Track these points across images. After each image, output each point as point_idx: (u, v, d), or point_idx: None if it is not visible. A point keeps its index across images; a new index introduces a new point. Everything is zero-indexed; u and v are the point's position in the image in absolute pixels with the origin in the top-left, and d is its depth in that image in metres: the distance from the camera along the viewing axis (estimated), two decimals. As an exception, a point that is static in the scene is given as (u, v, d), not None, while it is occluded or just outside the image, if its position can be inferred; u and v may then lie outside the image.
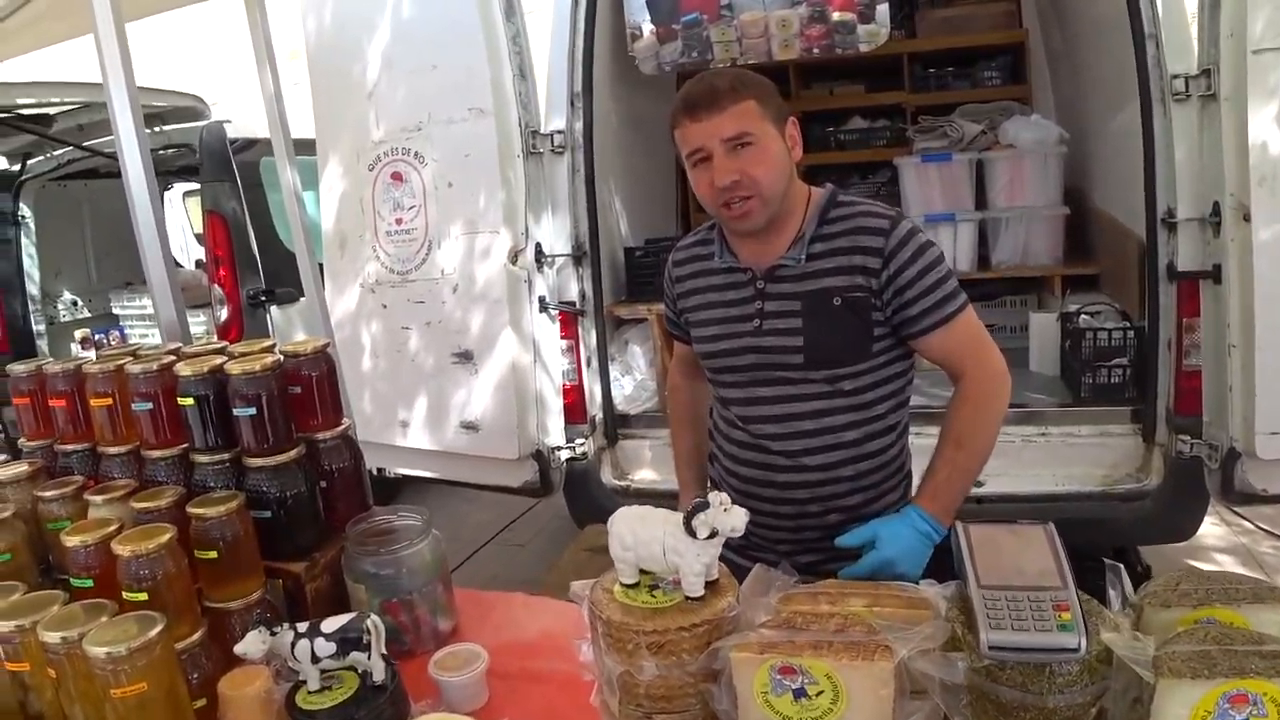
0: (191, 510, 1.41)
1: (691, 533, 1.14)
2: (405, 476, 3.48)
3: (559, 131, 3.13)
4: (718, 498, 1.15)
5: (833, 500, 1.72)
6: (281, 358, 1.61)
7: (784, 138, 1.65)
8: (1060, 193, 3.82)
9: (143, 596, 1.27)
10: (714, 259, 1.79)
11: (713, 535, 1.15)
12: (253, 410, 1.52)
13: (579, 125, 3.16)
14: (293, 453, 1.56)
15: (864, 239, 1.64)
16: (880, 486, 1.76)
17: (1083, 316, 3.31)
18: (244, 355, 1.61)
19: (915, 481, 1.79)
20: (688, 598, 1.18)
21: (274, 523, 1.53)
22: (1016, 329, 4.01)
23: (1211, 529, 3.02)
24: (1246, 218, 2.51)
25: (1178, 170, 2.72)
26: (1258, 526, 4.04)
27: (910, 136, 4.14)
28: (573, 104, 3.16)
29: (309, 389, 1.63)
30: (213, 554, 1.41)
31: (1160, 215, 2.77)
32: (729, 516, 1.14)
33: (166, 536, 1.30)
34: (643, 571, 1.23)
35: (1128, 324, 3.15)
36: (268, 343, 1.69)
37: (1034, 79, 4.51)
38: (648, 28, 3.29)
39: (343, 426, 1.68)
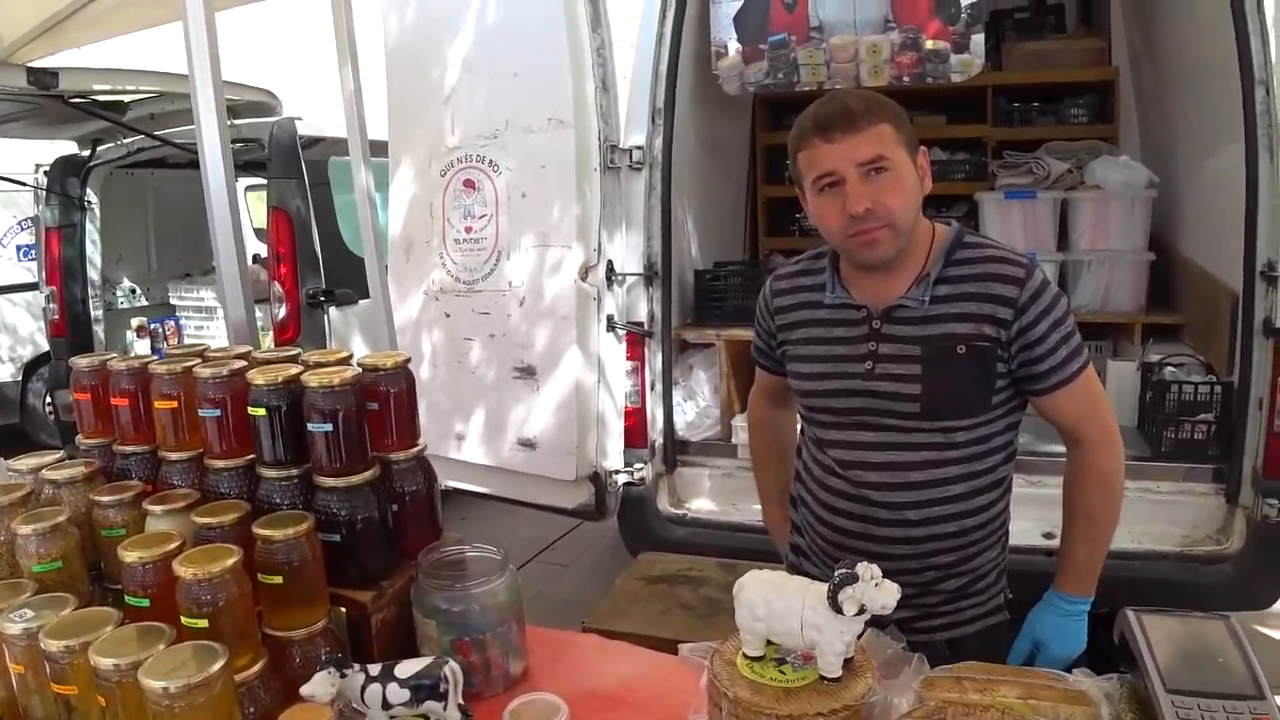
0: (258, 530, 1.33)
1: (837, 608, 1.03)
2: (454, 489, 3.41)
3: (638, 147, 3.07)
4: (868, 570, 1.04)
5: (932, 556, 1.64)
6: (361, 371, 1.54)
7: (916, 167, 1.55)
8: (1146, 238, 3.70)
9: (203, 623, 1.19)
10: (824, 291, 1.68)
11: (861, 612, 1.04)
12: (329, 426, 1.44)
13: (659, 142, 3.10)
14: (367, 474, 1.47)
15: (996, 286, 1.54)
16: (982, 543, 1.67)
17: (1167, 368, 3.18)
18: (320, 366, 1.53)
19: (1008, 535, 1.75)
20: (823, 678, 1.08)
21: (342, 547, 1.45)
22: (1092, 376, 3.88)
23: (1285, 597, 2.91)
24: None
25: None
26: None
27: (994, 171, 4.02)
28: (654, 120, 3.10)
29: (386, 406, 1.55)
30: (278, 579, 1.32)
31: (1260, 268, 2.68)
32: (880, 593, 1.03)
33: (232, 560, 1.23)
34: (768, 642, 1.13)
35: (1214, 378, 3.02)
36: (344, 353, 1.62)
37: (1121, 119, 4.37)
38: (733, 47, 3.23)
39: (418, 447, 1.61)
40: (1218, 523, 2.88)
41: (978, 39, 3.03)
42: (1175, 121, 3.80)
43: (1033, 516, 2.92)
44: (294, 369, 1.52)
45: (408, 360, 1.59)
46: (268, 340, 4.61)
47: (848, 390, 1.63)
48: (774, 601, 1.08)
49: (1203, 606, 2.90)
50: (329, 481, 1.46)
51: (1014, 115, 4.53)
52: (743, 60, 3.24)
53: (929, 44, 3.06)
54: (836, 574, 1.05)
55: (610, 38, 3.00)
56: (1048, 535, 2.85)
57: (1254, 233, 2.67)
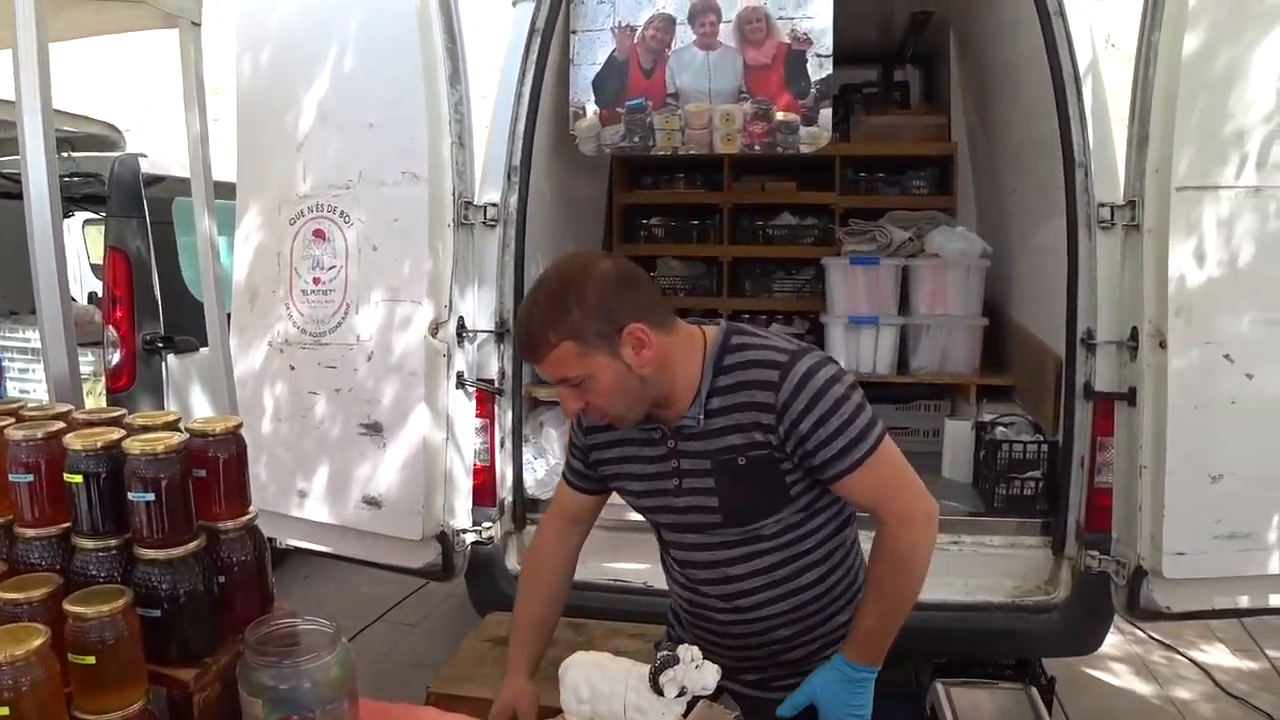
0: (69, 608, 1.24)
1: (659, 690, 1.04)
2: (295, 547, 3.28)
3: (493, 204, 3.05)
4: (688, 652, 1.05)
5: (772, 632, 1.68)
6: (188, 436, 1.47)
7: (620, 357, 1.54)
8: (980, 304, 3.89)
9: (3, 710, 1.11)
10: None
11: (682, 694, 1.05)
12: (151, 495, 1.37)
13: (514, 199, 3.09)
14: (192, 545, 1.40)
15: (757, 393, 1.57)
16: (825, 610, 1.72)
17: (999, 428, 3.34)
18: (145, 430, 1.46)
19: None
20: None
21: (163, 623, 1.37)
22: (930, 433, 4.06)
23: (1107, 638, 3.08)
24: (1163, 345, 2.58)
25: (1099, 294, 2.80)
26: (1150, 636, 4.13)
27: (840, 238, 4.18)
28: (509, 178, 3.09)
29: (215, 473, 1.48)
30: (90, 659, 1.24)
31: (1080, 335, 2.84)
32: (700, 674, 1.05)
33: (39, 641, 1.14)
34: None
35: (1041, 437, 3.19)
36: (171, 416, 1.55)
37: (959, 191, 4.63)
38: (591, 108, 3.27)
39: (249, 516, 1.54)
40: (1045, 574, 3.01)
41: (826, 113, 3.15)
42: (1006, 196, 4.04)
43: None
44: (115, 433, 1.44)
45: (239, 425, 1.53)
46: (99, 386, 4.37)
47: (664, 506, 1.70)
48: (598, 684, 1.08)
49: (1034, 654, 3.07)
50: (150, 553, 1.39)
51: (860, 184, 4.74)
52: (600, 122, 3.28)
53: (780, 115, 3.16)
54: (658, 657, 1.06)
55: (469, 93, 3.00)
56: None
57: (1075, 302, 2.83)
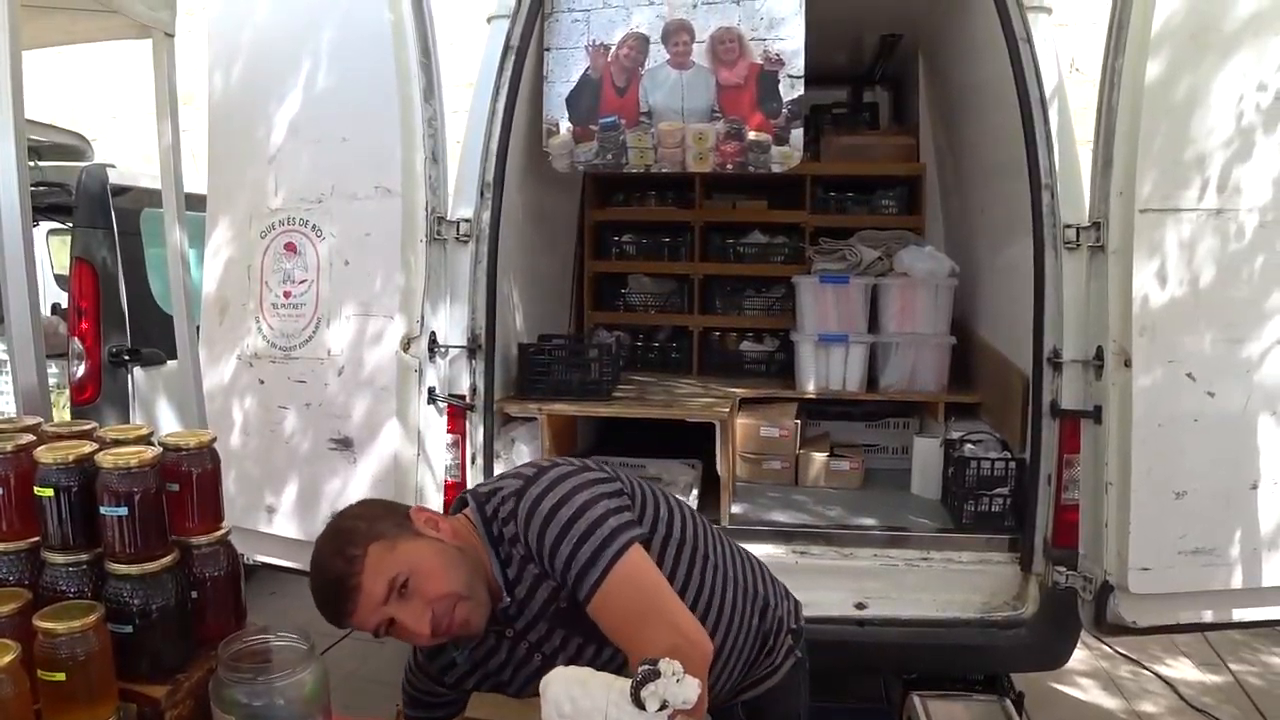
0: (39, 623, 1.24)
1: (639, 704, 1.04)
2: (264, 563, 3.25)
3: (465, 220, 3.05)
4: (670, 666, 1.05)
5: (715, 673, 1.62)
6: (161, 450, 1.46)
7: (423, 535, 1.53)
8: (949, 323, 3.93)
9: (-30, 727, 1.10)
10: (457, 654, 1.68)
11: (663, 708, 1.04)
12: (124, 510, 1.36)
13: (486, 215, 3.08)
14: (165, 560, 1.40)
15: (516, 546, 1.53)
16: (744, 629, 1.74)
17: (967, 445, 3.37)
18: (117, 444, 1.45)
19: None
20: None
21: (134, 638, 1.37)
22: (899, 450, 4.11)
23: (1075, 652, 3.12)
24: (1127, 363, 2.63)
25: (1065, 314, 2.85)
26: (1116, 651, 4.18)
27: (810, 257, 4.21)
28: (482, 194, 3.09)
29: (188, 487, 1.49)
30: (60, 675, 1.23)
31: (1046, 354, 2.88)
32: (682, 688, 1.04)
33: (8, 658, 1.14)
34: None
35: (1009, 454, 3.23)
36: (143, 430, 1.54)
37: (927, 211, 4.67)
38: (565, 126, 3.28)
39: (222, 530, 1.53)
40: (1014, 589, 3.03)
41: (797, 133, 3.19)
42: (974, 216, 4.09)
43: (844, 588, 3.04)
44: (87, 446, 1.43)
45: (213, 439, 1.52)
46: (64, 399, 4.31)
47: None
48: (579, 699, 1.08)
49: (1003, 669, 3.10)
50: (122, 568, 1.38)
51: (830, 203, 4.77)
52: (573, 139, 3.30)
53: (752, 135, 3.19)
54: (639, 671, 1.06)
55: (443, 109, 3.00)
56: (859, 605, 2.96)
57: (1041, 321, 2.87)
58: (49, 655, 1.23)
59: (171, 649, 1.42)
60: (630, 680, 1.05)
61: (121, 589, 1.37)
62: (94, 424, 1.60)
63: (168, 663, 1.41)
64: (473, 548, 1.56)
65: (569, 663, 1.50)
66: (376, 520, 1.52)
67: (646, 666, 1.04)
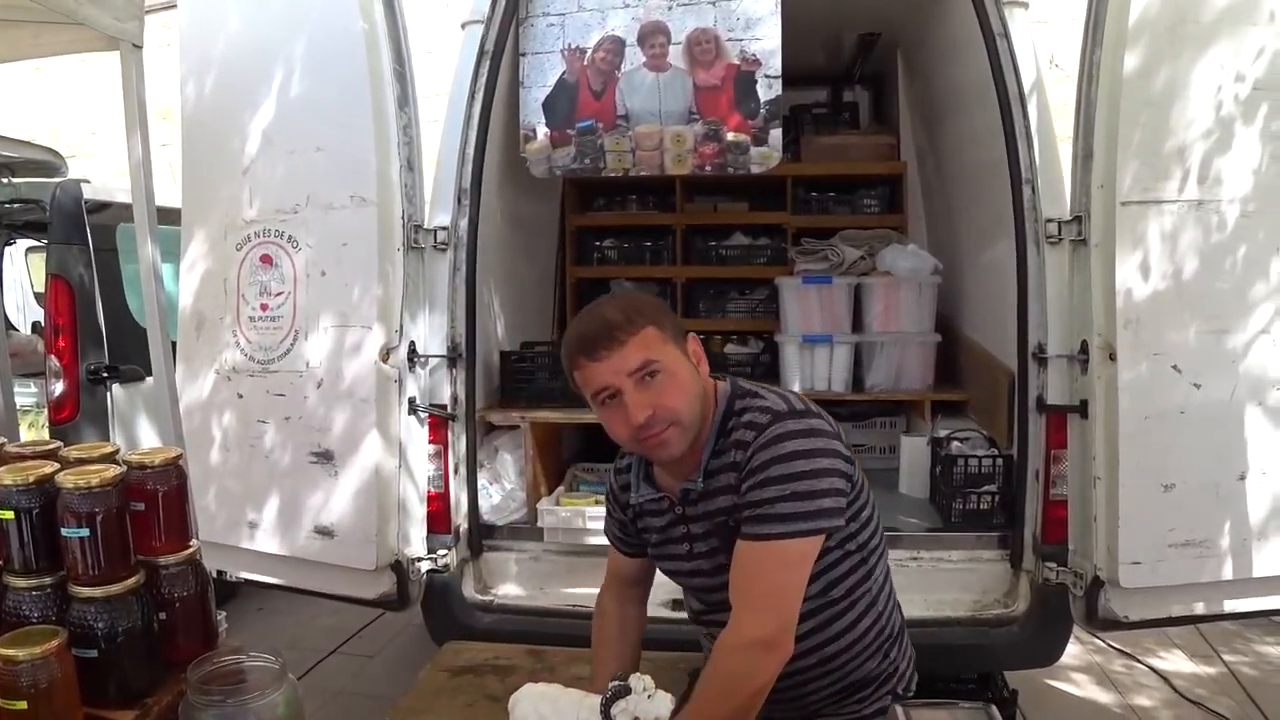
0: (0, 650, 1.20)
1: (610, 721, 1.01)
2: (247, 580, 3.21)
3: (443, 228, 3.02)
4: (640, 681, 1.03)
5: (803, 685, 1.67)
6: (124, 469, 1.42)
7: (688, 356, 1.60)
8: (933, 321, 3.92)
9: (-73, 761, 1.06)
10: (639, 490, 1.74)
11: None
12: (85, 531, 1.33)
13: (464, 223, 3.06)
14: (129, 581, 1.36)
15: (735, 454, 1.57)
16: (857, 659, 1.69)
17: (954, 443, 3.36)
18: (80, 463, 1.42)
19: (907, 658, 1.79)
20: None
21: (100, 663, 1.33)
22: (886, 450, 4.09)
23: (1068, 648, 3.10)
24: (1112, 357, 2.61)
25: (1049, 309, 2.84)
26: (1109, 645, 4.16)
27: (792, 258, 4.20)
28: (459, 201, 3.06)
29: (154, 506, 1.45)
30: (21, 704, 1.19)
31: (1031, 350, 2.87)
32: (653, 704, 1.02)
33: (-35, 688, 1.10)
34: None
35: (996, 452, 3.21)
36: (109, 448, 1.51)
37: (910, 210, 4.67)
38: (542, 131, 3.26)
39: (190, 549, 1.49)
40: (1005, 587, 3.02)
41: (776, 133, 3.17)
42: (956, 214, 4.08)
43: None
44: (48, 467, 1.40)
45: (179, 456, 1.49)
46: (42, 418, 4.26)
47: (680, 570, 1.73)
48: (548, 717, 1.05)
49: (996, 667, 3.08)
50: (86, 591, 1.35)
51: (812, 204, 4.77)
52: (550, 144, 3.27)
53: (730, 136, 3.18)
54: (610, 687, 1.03)
55: (417, 116, 2.98)
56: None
57: (1025, 317, 2.86)
58: (10, 683, 1.19)
59: (139, 672, 1.38)
60: (600, 697, 1.02)
61: (85, 612, 1.34)
62: (59, 444, 1.56)
63: (136, 687, 1.37)
64: (708, 408, 1.62)
65: (710, 574, 1.63)
66: (666, 313, 1.60)
67: (617, 683, 1.02)
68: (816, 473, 1.51)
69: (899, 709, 1.12)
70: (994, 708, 1.12)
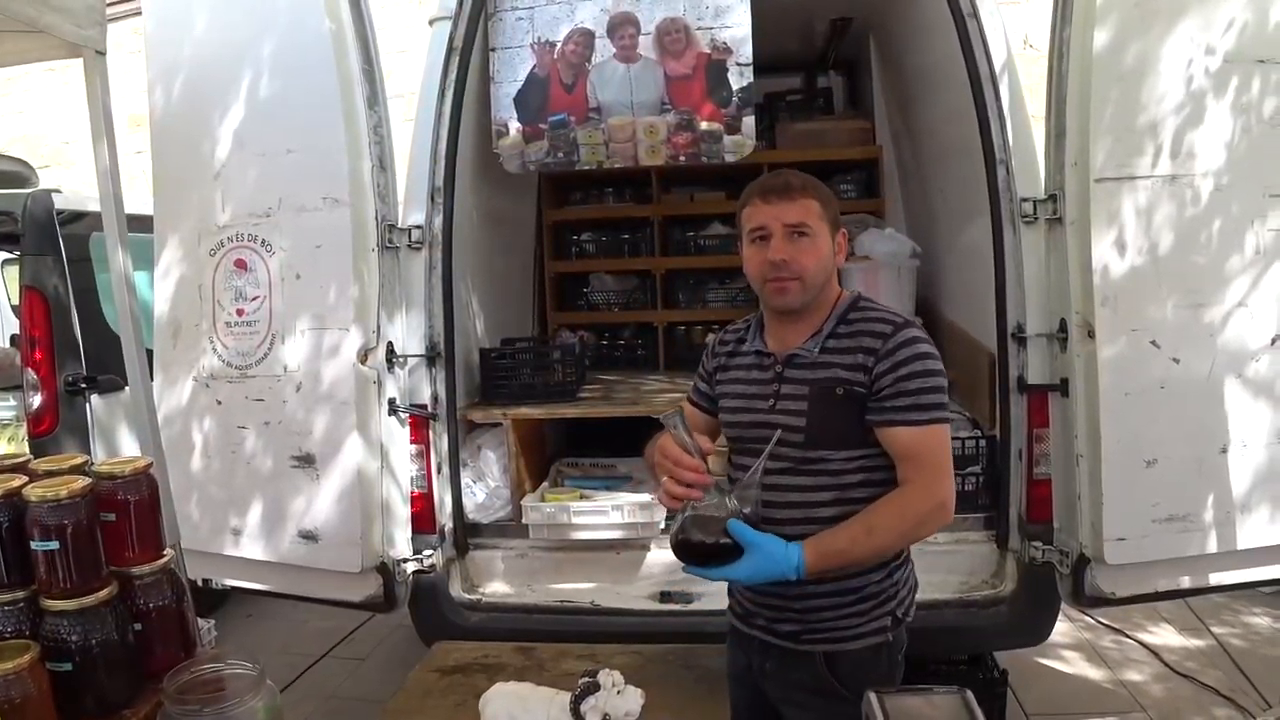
0: (-31, 668, 1.18)
1: (580, 718, 1.01)
2: (234, 587, 3.19)
3: (417, 227, 3.00)
4: (610, 678, 1.03)
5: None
6: (94, 480, 1.40)
7: (834, 242, 1.88)
8: (913, 303, 3.92)
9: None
10: (747, 343, 2.00)
11: None
12: (55, 544, 1.31)
13: (438, 221, 3.04)
14: (101, 593, 1.34)
15: (866, 340, 1.83)
16: (848, 597, 1.86)
17: (937, 426, 3.35)
18: (49, 475, 1.40)
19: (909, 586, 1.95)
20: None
21: (76, 676, 1.31)
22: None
23: (1057, 626, 3.11)
24: (1091, 334, 2.62)
25: (1026, 288, 2.84)
26: (1099, 622, 4.20)
27: (771, 245, 4.18)
28: (433, 199, 3.05)
29: (125, 516, 1.43)
30: (-6, 721, 1.18)
31: (1010, 330, 2.88)
32: (623, 699, 1.02)
33: (-65, 706, 1.08)
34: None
35: (979, 433, 3.21)
36: (78, 459, 1.49)
37: (886, 194, 4.66)
38: (514, 126, 3.25)
39: (164, 559, 1.48)
40: (992, 568, 3.03)
41: (749, 121, 3.17)
42: (933, 197, 4.07)
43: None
44: (15, 480, 1.38)
45: (149, 465, 1.47)
46: (21, 431, 4.23)
47: (755, 422, 1.91)
48: (518, 716, 1.04)
49: (985, 648, 3.08)
50: (58, 604, 1.33)
51: (790, 190, 4.75)
52: (523, 139, 3.26)
53: (703, 125, 3.17)
54: (579, 684, 1.03)
55: (388, 115, 2.96)
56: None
57: (1004, 298, 2.86)
58: (-18, 700, 1.18)
59: (116, 685, 1.37)
60: (570, 694, 1.02)
61: (59, 625, 1.32)
62: (29, 457, 1.54)
63: (113, 699, 1.36)
64: (831, 292, 1.91)
65: (773, 427, 1.81)
66: (833, 202, 1.90)
67: (586, 679, 1.01)
68: (938, 379, 1.82)
69: (873, 696, 1.12)
70: (968, 692, 1.11)
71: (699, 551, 1.71)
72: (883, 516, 1.77)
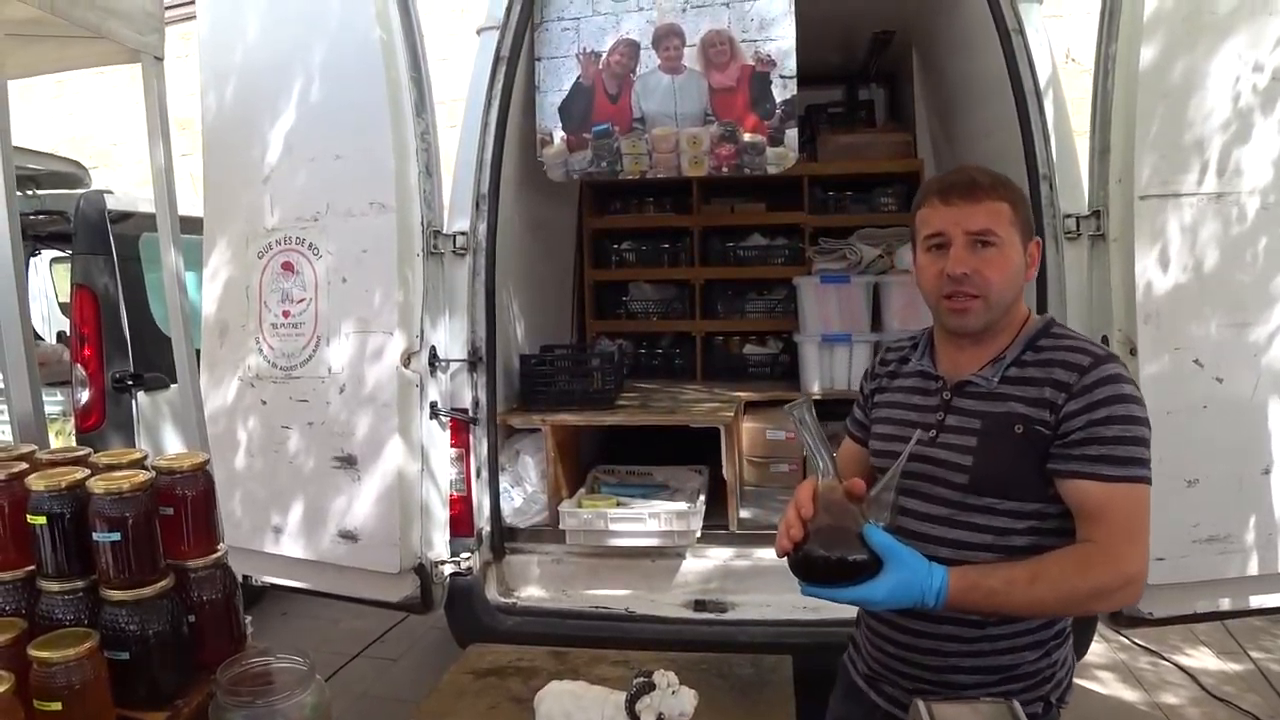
0: (34, 653, 1.22)
1: (635, 717, 1.02)
2: (272, 584, 3.24)
3: (462, 233, 3.05)
4: (665, 678, 1.04)
5: (948, 642, 1.61)
6: (154, 474, 1.44)
7: (1025, 253, 1.61)
8: (953, 320, 3.90)
9: (-34, 761, 1.09)
10: (912, 362, 1.75)
11: None
12: (116, 535, 1.35)
13: (483, 228, 3.08)
14: (160, 585, 1.38)
15: (1059, 372, 1.55)
16: (1013, 640, 1.61)
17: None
18: (110, 469, 1.44)
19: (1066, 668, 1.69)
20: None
21: (132, 665, 1.35)
22: (908, 450, 4.05)
23: (1093, 647, 3.08)
24: (1133, 351, 2.60)
25: (1069, 305, 2.82)
26: (1135, 643, 4.14)
27: (810, 257, 4.19)
28: (478, 206, 3.09)
29: (182, 511, 1.47)
30: (56, 705, 1.21)
31: None
32: (677, 699, 1.03)
33: (3, 689, 1.12)
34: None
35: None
36: (137, 454, 1.53)
37: (927, 207, 4.64)
38: (558, 135, 3.28)
39: (218, 553, 1.52)
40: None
41: (791, 133, 3.18)
42: (974, 211, 4.05)
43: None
44: (79, 473, 1.42)
45: (206, 461, 1.51)
46: (69, 426, 4.32)
47: (897, 448, 1.64)
48: (573, 714, 1.06)
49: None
50: (117, 594, 1.37)
51: (829, 203, 4.76)
52: (567, 148, 3.29)
53: (746, 137, 3.19)
54: (634, 684, 1.04)
55: (435, 122, 3.00)
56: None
57: (1044, 311, 2.82)
58: (45, 684, 1.21)
59: (169, 675, 1.40)
60: (625, 694, 1.03)
61: (117, 615, 1.35)
62: (89, 450, 1.59)
63: (166, 689, 1.39)
64: (1017, 313, 1.65)
65: (940, 463, 1.60)
66: (1026, 204, 1.64)
67: (641, 679, 1.02)
68: (1147, 423, 1.54)
69: (920, 703, 1.11)
70: (1015, 702, 1.11)
71: (828, 568, 1.43)
72: (1055, 567, 1.47)
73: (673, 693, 1.01)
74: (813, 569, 1.44)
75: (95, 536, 1.36)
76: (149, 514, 1.38)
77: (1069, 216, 2.81)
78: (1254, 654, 4.03)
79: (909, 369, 1.76)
